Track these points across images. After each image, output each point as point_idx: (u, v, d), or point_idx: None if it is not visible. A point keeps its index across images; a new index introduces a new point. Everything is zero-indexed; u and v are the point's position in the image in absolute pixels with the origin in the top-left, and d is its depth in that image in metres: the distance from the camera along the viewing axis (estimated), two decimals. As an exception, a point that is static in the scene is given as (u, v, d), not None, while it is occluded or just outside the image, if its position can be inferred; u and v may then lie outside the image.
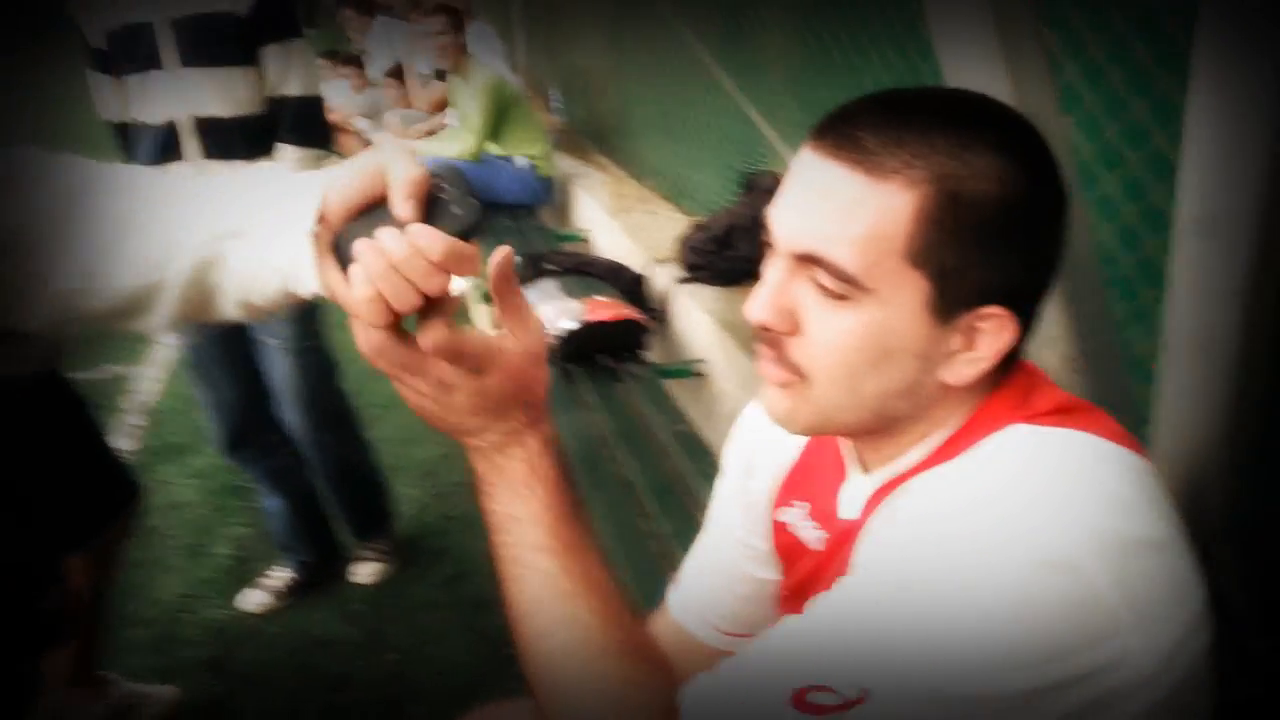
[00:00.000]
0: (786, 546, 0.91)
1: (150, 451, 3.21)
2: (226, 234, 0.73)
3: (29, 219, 0.74)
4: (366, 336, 0.68)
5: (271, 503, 2.42)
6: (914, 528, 0.66)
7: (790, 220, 0.70)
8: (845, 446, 0.84)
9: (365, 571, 2.50)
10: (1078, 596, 0.59)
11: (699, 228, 3.03)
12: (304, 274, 0.71)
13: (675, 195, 3.82)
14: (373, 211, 0.70)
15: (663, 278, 3.12)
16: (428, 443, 3.09)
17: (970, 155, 0.66)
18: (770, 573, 0.95)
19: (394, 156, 0.69)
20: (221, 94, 2.07)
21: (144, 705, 2.01)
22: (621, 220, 3.78)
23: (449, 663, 2.18)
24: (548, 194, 4.52)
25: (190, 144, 2.10)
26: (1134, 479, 0.67)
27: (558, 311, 2.76)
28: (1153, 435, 1.29)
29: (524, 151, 4.38)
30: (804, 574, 0.87)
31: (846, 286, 0.67)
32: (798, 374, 0.72)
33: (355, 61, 7.12)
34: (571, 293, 2.88)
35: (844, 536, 0.80)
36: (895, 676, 0.60)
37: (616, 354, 2.71)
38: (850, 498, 0.82)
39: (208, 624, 2.33)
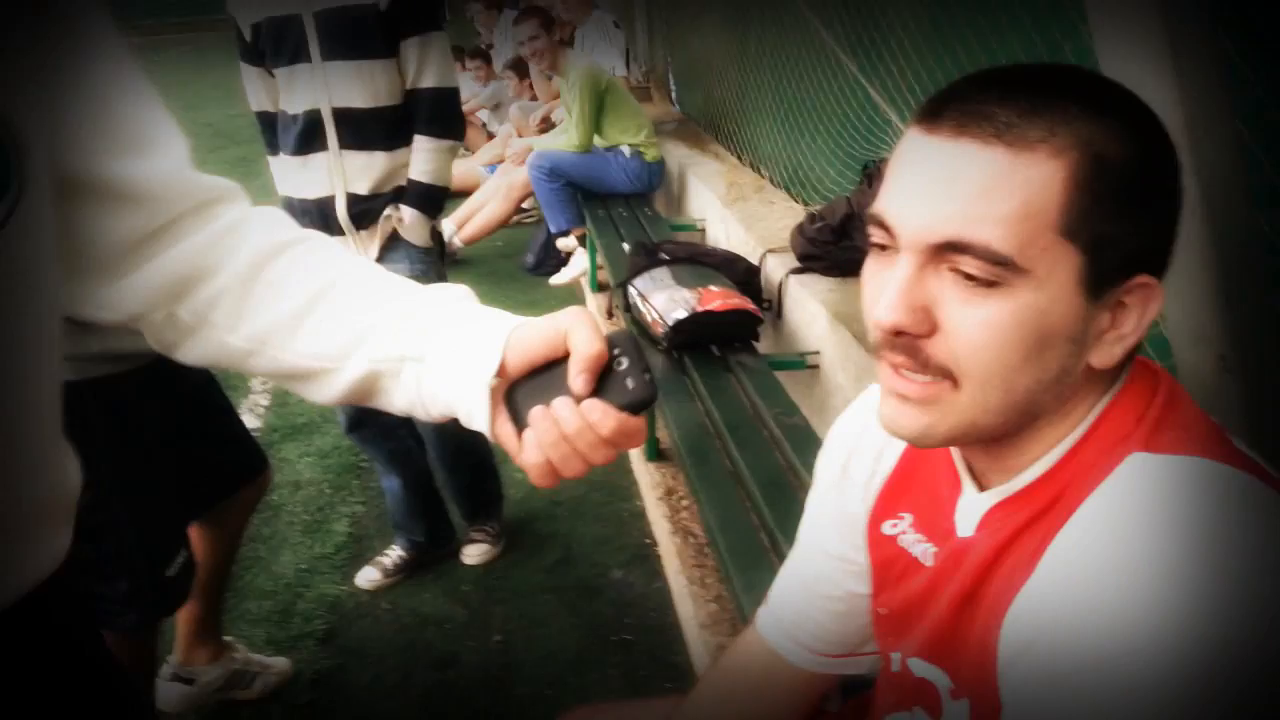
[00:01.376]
0: (889, 560, 0.86)
1: (275, 430, 3.33)
2: (409, 356, 0.74)
3: (220, 272, 0.76)
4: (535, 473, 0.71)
5: (389, 483, 2.47)
6: (1102, 617, 0.59)
7: (919, 209, 0.64)
8: (956, 456, 0.78)
9: (474, 553, 2.53)
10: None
11: (815, 217, 2.95)
12: (475, 416, 0.73)
13: (793, 184, 3.74)
14: (550, 370, 0.71)
15: (777, 268, 3.06)
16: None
17: (1104, 119, 0.63)
18: (869, 588, 0.90)
19: (578, 322, 0.70)
20: (361, 85, 2.13)
21: (260, 673, 2.08)
22: (737, 209, 3.73)
23: (552, 646, 2.19)
24: (658, 180, 4.51)
25: (331, 134, 2.16)
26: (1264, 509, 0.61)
27: (670, 300, 2.74)
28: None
29: (626, 140, 4.38)
30: (913, 591, 0.82)
31: (999, 270, 0.62)
32: (946, 376, 0.65)
33: (482, 55, 7.27)
34: (684, 282, 2.85)
35: (958, 554, 0.75)
36: None
37: (728, 344, 2.67)
38: (965, 513, 0.76)
39: (323, 598, 2.40)
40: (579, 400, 0.69)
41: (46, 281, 0.68)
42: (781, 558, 1.02)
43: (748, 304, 2.76)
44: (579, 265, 4.58)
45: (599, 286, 4.32)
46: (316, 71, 2.12)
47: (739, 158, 4.51)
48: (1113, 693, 0.56)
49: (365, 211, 2.22)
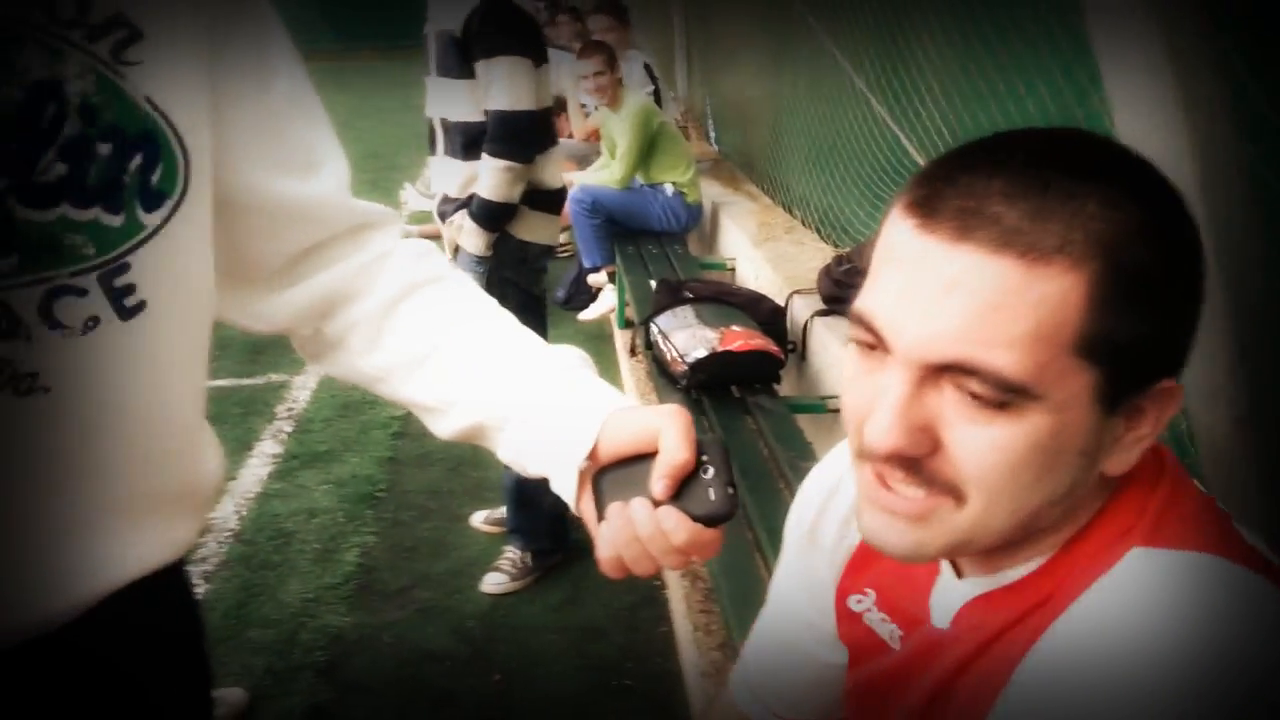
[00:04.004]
0: (856, 637, 0.80)
1: (295, 457, 3.34)
2: (517, 418, 0.78)
3: (363, 299, 0.81)
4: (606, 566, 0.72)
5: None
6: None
7: (915, 323, 0.56)
8: None
9: (493, 581, 2.52)
10: None
11: (842, 259, 2.92)
12: (564, 490, 0.76)
13: (823, 226, 3.71)
14: (638, 463, 0.72)
15: (803, 309, 3.02)
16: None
17: (1123, 215, 0.55)
18: (838, 656, 0.84)
19: (673, 423, 0.71)
20: (451, 100, 2.43)
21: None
22: (766, 249, 3.71)
23: (554, 688, 2.15)
24: (695, 221, 4.50)
25: (439, 139, 2.49)
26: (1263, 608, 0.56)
27: (691, 339, 2.71)
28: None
29: (670, 179, 4.40)
30: (880, 672, 0.76)
31: (1010, 395, 0.55)
32: (950, 493, 0.59)
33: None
34: (707, 321, 2.82)
35: (932, 646, 0.70)
36: None
37: (748, 385, 2.63)
38: (942, 601, 0.70)
39: (326, 629, 2.37)
40: (657, 505, 0.69)
41: (202, 282, 0.73)
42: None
43: (770, 345, 2.72)
44: (608, 301, 4.58)
45: (626, 323, 4.30)
46: (429, 84, 2.48)
47: (772, 198, 4.50)
48: None
49: (448, 212, 2.51)
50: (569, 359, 0.81)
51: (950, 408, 0.57)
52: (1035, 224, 0.54)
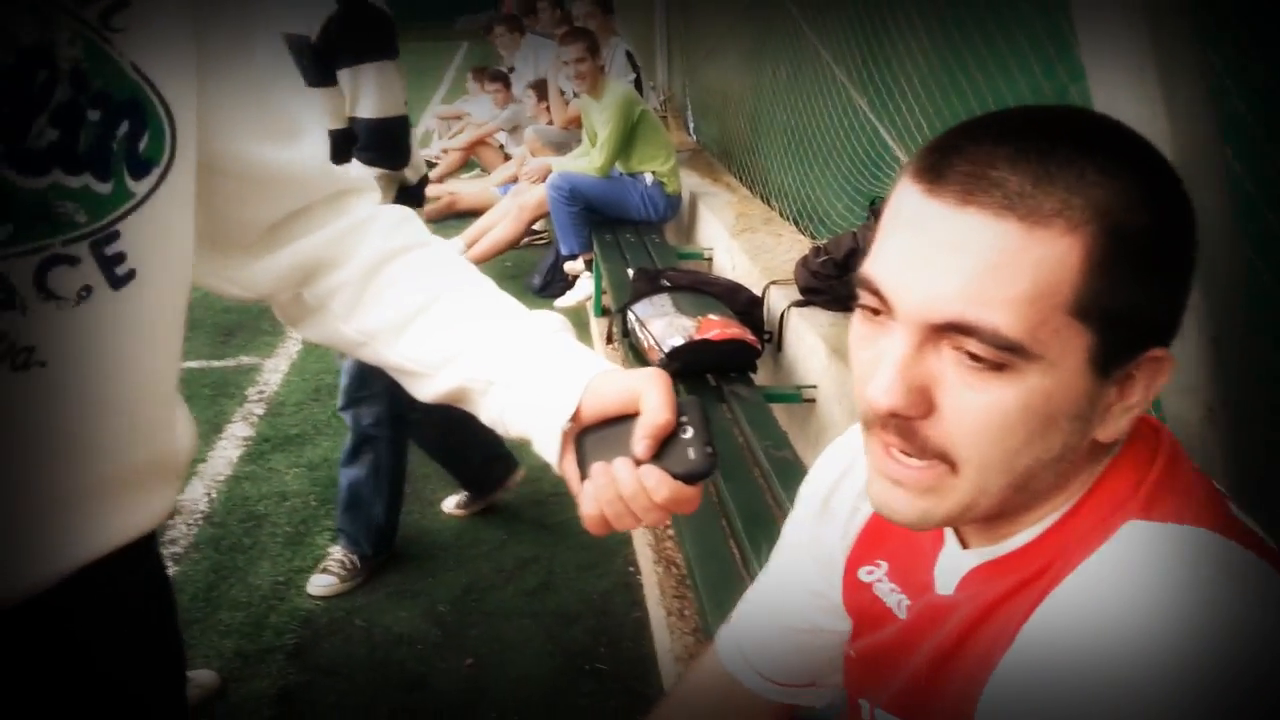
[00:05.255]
0: (864, 605, 0.82)
1: (266, 440, 3.30)
2: (496, 381, 0.79)
3: (344, 265, 0.82)
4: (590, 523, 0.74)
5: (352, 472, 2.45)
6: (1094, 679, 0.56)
7: (919, 283, 0.58)
8: None
9: (320, 584, 2.45)
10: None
11: (819, 250, 2.93)
12: (547, 451, 0.77)
13: (801, 217, 3.72)
14: (619, 424, 0.74)
15: (780, 300, 3.03)
16: (525, 452, 3.08)
17: (1120, 183, 0.57)
18: (839, 625, 0.86)
19: (653, 385, 0.72)
20: (322, 108, 2.24)
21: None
22: (743, 240, 3.71)
23: (525, 672, 2.14)
24: (673, 211, 4.50)
25: None
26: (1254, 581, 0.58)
27: (668, 327, 2.71)
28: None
29: (650, 168, 4.40)
30: (885, 641, 0.78)
31: (1007, 355, 0.57)
32: (943, 460, 0.61)
33: (501, 78, 7.31)
34: (684, 310, 2.83)
35: (935, 612, 0.72)
36: None
37: (724, 374, 2.64)
38: (946, 570, 0.72)
39: (296, 612, 2.36)
40: (639, 464, 0.71)
41: (185, 250, 0.72)
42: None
43: (746, 334, 2.73)
44: (584, 289, 4.57)
45: (603, 311, 4.30)
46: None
47: (750, 189, 4.50)
48: None
49: None
50: (550, 324, 0.82)
51: (949, 370, 0.59)
52: (1037, 188, 0.56)
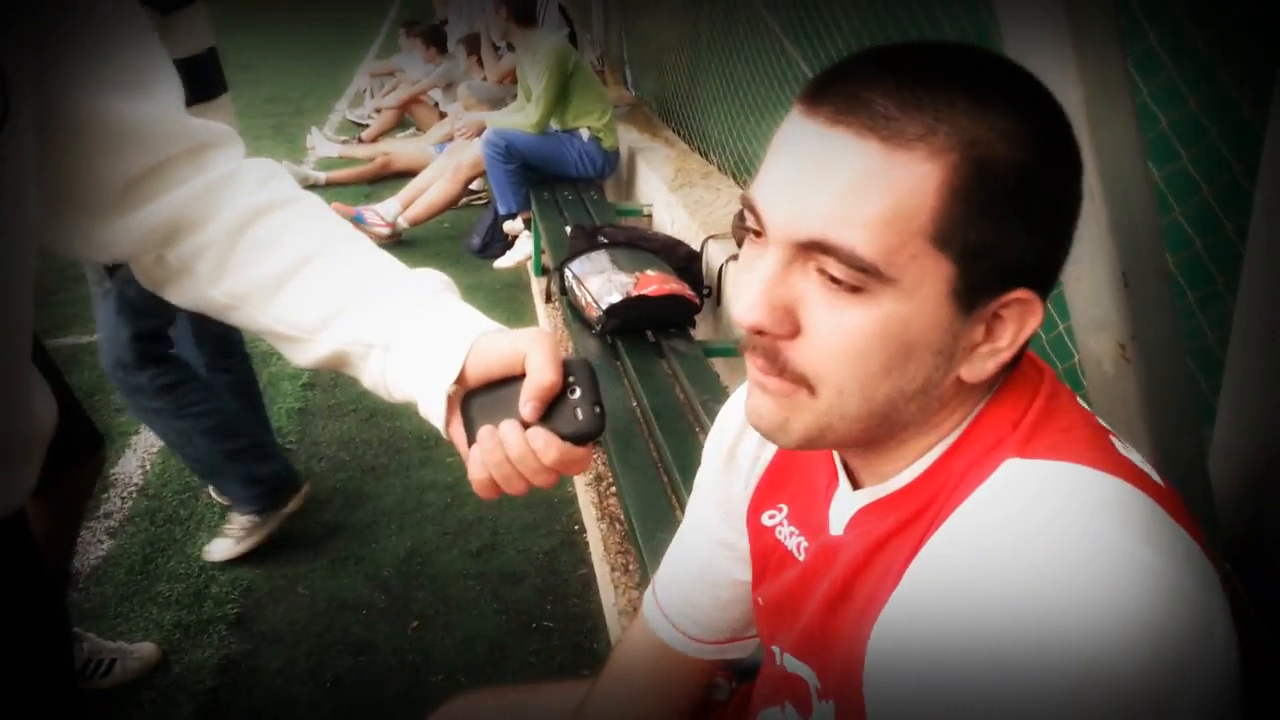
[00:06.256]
0: (766, 550, 0.83)
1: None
2: (376, 344, 0.76)
3: (208, 224, 0.77)
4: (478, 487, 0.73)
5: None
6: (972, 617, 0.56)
7: (786, 202, 0.59)
8: (835, 452, 0.75)
9: (220, 549, 2.41)
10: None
11: (756, 203, 2.93)
12: (432, 415, 0.75)
13: (739, 171, 3.71)
14: (506, 386, 0.73)
15: (718, 254, 3.03)
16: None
17: (993, 116, 0.57)
18: (749, 574, 0.87)
19: (538, 346, 0.72)
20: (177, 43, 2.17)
21: (118, 659, 1.99)
22: (682, 195, 3.70)
23: (471, 633, 2.15)
24: (611, 166, 4.47)
25: None
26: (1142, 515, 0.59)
27: (606, 284, 2.70)
28: (1216, 430, 1.17)
29: (586, 123, 4.35)
30: (787, 585, 0.79)
31: (863, 277, 0.57)
32: (802, 383, 0.62)
33: (432, 33, 7.16)
34: (622, 266, 2.82)
35: (829, 553, 0.73)
36: None
37: (663, 329, 2.64)
38: (838, 510, 0.73)
39: (237, 582, 2.33)
40: (526, 426, 0.71)
41: (28, 211, 0.68)
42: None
43: (684, 290, 2.73)
44: (524, 249, 4.53)
45: (542, 270, 4.27)
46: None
47: (689, 143, 4.48)
48: (977, 704, 0.53)
49: None
50: (431, 283, 0.79)
51: (813, 290, 0.60)
52: (903, 112, 0.56)
